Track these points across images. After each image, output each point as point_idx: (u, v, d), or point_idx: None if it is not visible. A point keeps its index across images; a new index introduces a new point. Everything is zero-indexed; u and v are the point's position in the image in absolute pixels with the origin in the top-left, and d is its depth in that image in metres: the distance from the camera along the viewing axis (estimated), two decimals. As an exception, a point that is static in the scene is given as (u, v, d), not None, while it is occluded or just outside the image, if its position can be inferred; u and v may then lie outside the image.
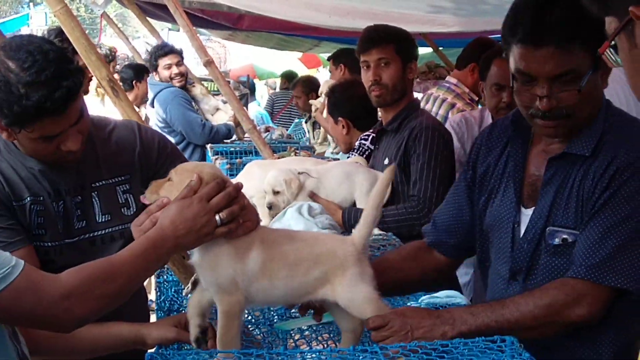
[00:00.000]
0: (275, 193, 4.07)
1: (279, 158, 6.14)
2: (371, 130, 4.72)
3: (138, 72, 8.50)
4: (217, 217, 2.24)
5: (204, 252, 2.29)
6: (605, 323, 2.37)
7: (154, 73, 7.88)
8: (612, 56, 1.61)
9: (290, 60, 19.15)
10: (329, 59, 8.50)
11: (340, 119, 5.07)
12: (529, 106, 2.45)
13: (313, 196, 4.09)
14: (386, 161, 4.18)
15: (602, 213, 2.35)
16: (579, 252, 2.35)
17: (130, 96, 8.03)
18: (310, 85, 9.43)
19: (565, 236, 2.41)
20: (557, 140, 2.51)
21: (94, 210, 2.81)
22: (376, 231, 3.71)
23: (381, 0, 7.58)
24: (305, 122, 9.22)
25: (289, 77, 13.93)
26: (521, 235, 2.52)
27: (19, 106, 2.41)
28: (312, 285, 2.30)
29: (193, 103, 7.87)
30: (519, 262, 2.52)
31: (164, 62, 7.74)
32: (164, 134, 7.57)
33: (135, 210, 2.86)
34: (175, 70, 7.74)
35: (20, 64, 2.43)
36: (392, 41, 4.22)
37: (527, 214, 2.53)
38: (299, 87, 9.58)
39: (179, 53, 7.87)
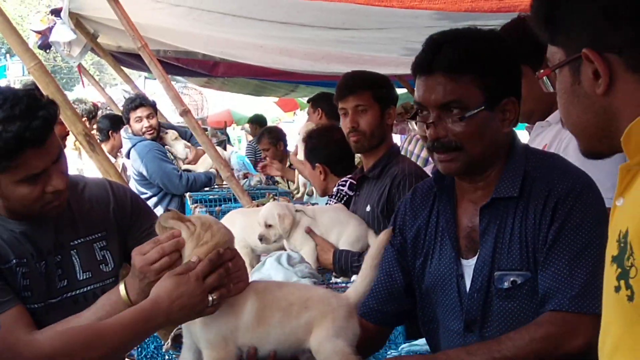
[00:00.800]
0: (268, 226, 4.12)
1: (257, 205, 6.16)
2: (349, 177, 4.73)
3: (114, 123, 8.48)
4: (209, 298, 2.25)
5: None
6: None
7: (128, 125, 7.85)
8: (547, 82, 1.74)
9: (267, 105, 19.26)
10: (308, 102, 8.51)
11: (317, 164, 5.06)
12: (426, 139, 2.49)
13: (309, 232, 4.16)
14: (368, 208, 4.19)
15: (558, 246, 2.34)
16: (553, 287, 2.33)
17: (107, 146, 8.02)
18: (276, 135, 9.35)
19: (513, 278, 2.40)
20: (480, 189, 2.51)
21: (75, 268, 2.79)
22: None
23: (354, 44, 7.63)
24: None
25: (259, 123, 13.90)
26: (468, 286, 2.49)
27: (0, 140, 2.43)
28: (302, 331, 2.29)
29: (168, 153, 7.85)
30: (472, 313, 2.48)
31: (135, 114, 7.68)
32: (141, 185, 7.63)
33: (112, 266, 2.85)
34: (146, 123, 7.69)
35: None
36: (369, 88, 4.23)
37: (469, 264, 2.51)
38: (264, 139, 9.43)
39: (152, 105, 7.82)
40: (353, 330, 2.32)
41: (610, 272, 1.51)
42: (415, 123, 2.59)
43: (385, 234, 2.42)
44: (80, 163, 7.35)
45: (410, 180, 4.03)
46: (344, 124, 4.30)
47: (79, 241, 2.82)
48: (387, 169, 4.19)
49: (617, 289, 1.48)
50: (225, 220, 4.53)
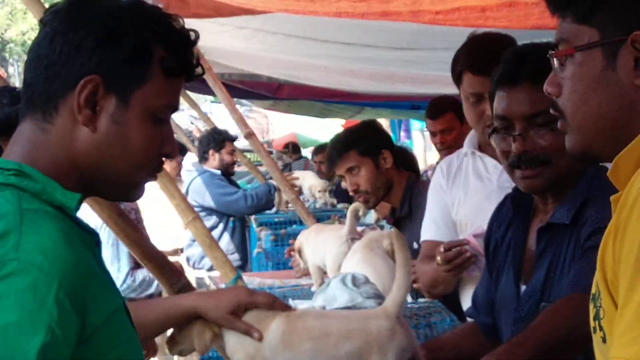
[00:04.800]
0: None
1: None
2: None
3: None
4: None
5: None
6: None
7: (203, 161, 7.88)
8: (557, 62, 1.56)
9: (334, 127, 19.26)
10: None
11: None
12: (507, 154, 2.37)
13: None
14: (415, 245, 4.11)
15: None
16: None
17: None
18: None
19: None
20: (550, 210, 2.38)
21: None
22: (422, 299, 3.65)
23: (419, 64, 7.58)
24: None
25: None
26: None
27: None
28: None
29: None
30: None
31: (229, 148, 7.76)
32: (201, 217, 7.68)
33: None
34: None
35: None
36: (351, 147, 4.21)
37: None
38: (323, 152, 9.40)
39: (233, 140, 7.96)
40: (402, 346, 2.23)
41: (591, 312, 1.45)
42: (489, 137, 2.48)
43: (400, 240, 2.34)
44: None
45: None
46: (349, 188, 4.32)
47: None
48: (414, 203, 4.14)
49: (594, 329, 1.43)
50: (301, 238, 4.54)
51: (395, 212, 4.35)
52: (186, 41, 1.71)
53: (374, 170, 4.18)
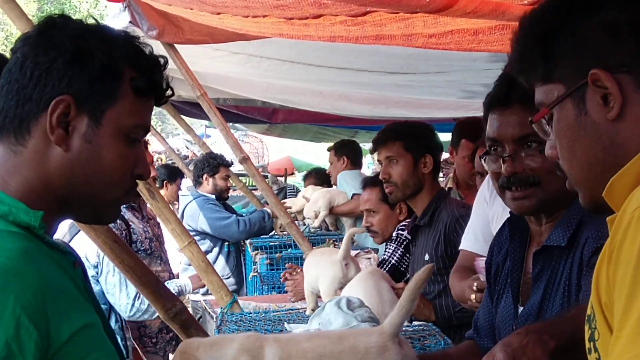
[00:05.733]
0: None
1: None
2: (409, 221, 4.69)
3: (172, 174, 8.53)
4: None
5: None
6: None
7: (197, 185, 7.89)
8: (544, 126, 1.59)
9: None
10: (329, 150, 8.48)
11: (401, 203, 4.91)
12: (498, 176, 2.39)
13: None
14: (427, 257, 4.15)
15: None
16: None
17: (159, 196, 8.08)
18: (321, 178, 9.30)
19: None
20: (545, 232, 2.40)
21: None
22: (416, 322, 3.65)
23: (413, 88, 7.61)
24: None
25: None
26: None
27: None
28: None
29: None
30: None
31: (223, 173, 7.78)
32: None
33: None
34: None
35: None
36: (399, 139, 4.24)
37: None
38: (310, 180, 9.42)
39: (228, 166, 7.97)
40: None
41: (586, 333, 1.45)
42: (484, 161, 2.50)
43: (425, 270, 2.34)
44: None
45: (463, 221, 3.99)
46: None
47: None
48: (437, 215, 4.17)
49: (589, 350, 1.43)
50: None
51: (416, 219, 4.36)
52: (155, 63, 1.75)
53: (410, 168, 4.21)
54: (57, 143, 1.62)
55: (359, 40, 4.03)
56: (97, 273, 4.64)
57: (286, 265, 5.30)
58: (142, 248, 5.21)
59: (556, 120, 1.54)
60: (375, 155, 4.63)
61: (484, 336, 2.66)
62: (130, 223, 5.09)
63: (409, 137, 4.26)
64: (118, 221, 4.94)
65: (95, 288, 4.63)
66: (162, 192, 8.22)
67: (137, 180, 1.78)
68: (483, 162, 2.48)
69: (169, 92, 1.80)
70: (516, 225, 2.52)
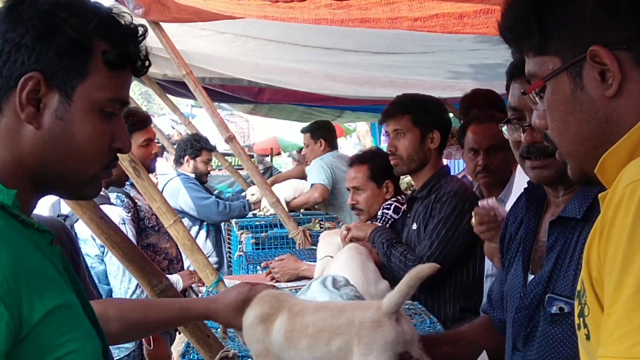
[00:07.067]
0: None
1: (303, 230, 6.18)
2: (393, 199, 4.72)
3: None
4: None
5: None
6: None
7: (177, 165, 7.88)
8: (534, 97, 1.59)
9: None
10: (303, 131, 8.33)
11: (388, 182, 4.93)
12: (518, 145, 2.41)
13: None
14: (414, 226, 4.19)
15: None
16: None
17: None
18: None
19: (562, 305, 2.26)
20: (562, 203, 2.40)
21: None
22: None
23: (399, 69, 7.63)
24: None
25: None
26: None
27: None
28: (336, 357, 2.27)
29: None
30: (518, 330, 2.39)
31: (205, 157, 7.78)
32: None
33: None
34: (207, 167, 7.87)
35: None
36: (408, 112, 4.21)
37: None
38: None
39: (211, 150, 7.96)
40: (386, 339, 2.24)
41: (576, 309, 1.47)
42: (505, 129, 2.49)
43: (429, 267, 2.34)
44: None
45: (454, 198, 4.02)
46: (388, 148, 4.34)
47: None
48: (435, 189, 4.18)
49: (579, 326, 1.45)
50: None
51: (414, 192, 4.39)
52: (129, 34, 1.71)
53: (417, 142, 4.21)
54: (28, 121, 1.59)
55: (344, 23, 4.03)
56: (102, 253, 4.63)
57: (262, 264, 5.34)
58: (150, 225, 5.18)
59: (550, 93, 1.54)
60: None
61: (497, 308, 2.69)
62: (137, 200, 5.07)
63: (418, 112, 4.24)
64: (125, 199, 4.95)
65: (100, 268, 4.65)
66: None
67: (121, 160, 1.75)
68: (504, 130, 2.48)
69: (146, 63, 1.76)
70: (534, 195, 2.53)
